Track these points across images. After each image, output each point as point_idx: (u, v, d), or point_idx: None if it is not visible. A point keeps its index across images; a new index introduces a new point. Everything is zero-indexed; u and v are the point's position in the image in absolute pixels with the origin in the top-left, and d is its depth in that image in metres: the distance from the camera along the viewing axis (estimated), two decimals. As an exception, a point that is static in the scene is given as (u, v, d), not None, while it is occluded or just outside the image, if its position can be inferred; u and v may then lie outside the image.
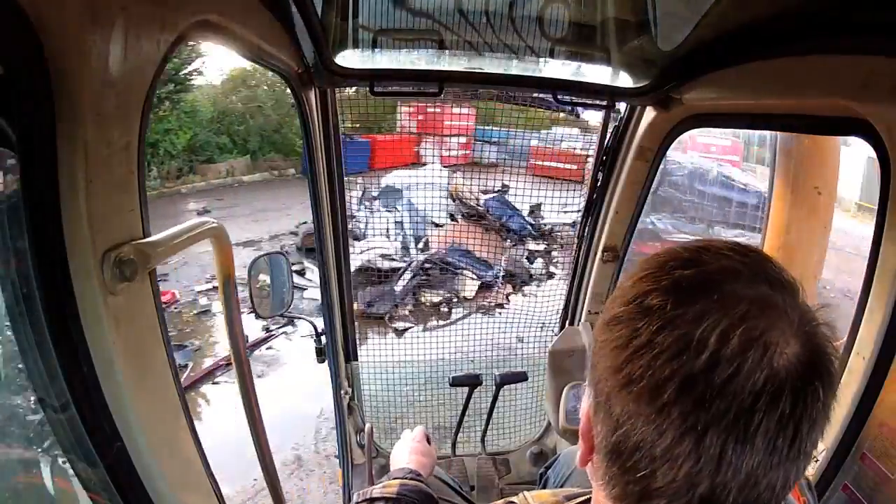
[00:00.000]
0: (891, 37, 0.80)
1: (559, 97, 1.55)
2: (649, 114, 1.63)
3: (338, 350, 1.99)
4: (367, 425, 1.58)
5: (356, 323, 2.11)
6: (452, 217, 8.25)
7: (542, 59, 1.45)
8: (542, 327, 3.29)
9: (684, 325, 0.40)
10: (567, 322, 2.18)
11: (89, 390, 0.58)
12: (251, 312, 1.55)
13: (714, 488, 0.40)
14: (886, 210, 0.97)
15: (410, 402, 2.96)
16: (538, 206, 7.30)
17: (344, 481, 2.08)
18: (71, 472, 0.64)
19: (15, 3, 0.43)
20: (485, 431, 2.23)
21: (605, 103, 1.57)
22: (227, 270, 0.86)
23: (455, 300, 6.50)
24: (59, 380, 0.56)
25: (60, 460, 0.66)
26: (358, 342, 2.12)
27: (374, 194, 7.83)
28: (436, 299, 6.46)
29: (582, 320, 2.10)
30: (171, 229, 0.70)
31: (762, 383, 0.39)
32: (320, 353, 1.94)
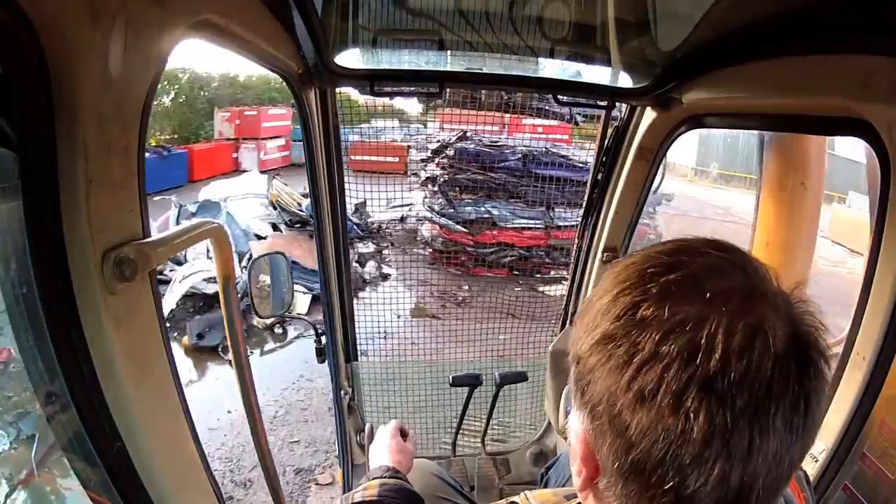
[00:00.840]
0: (891, 37, 0.80)
1: (559, 97, 1.55)
2: (649, 114, 1.63)
3: (338, 350, 1.99)
4: (367, 425, 1.58)
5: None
6: (275, 227, 7.93)
7: (541, 60, 1.45)
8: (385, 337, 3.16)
9: (687, 330, 0.40)
10: (567, 322, 2.18)
11: (89, 390, 0.58)
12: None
13: (744, 479, 0.41)
14: (886, 210, 0.97)
15: (410, 402, 2.96)
16: (363, 203, 7.15)
17: (344, 481, 2.08)
18: (71, 471, 0.64)
19: (15, 3, 0.43)
20: (485, 431, 2.23)
21: (605, 104, 1.57)
22: (227, 271, 0.86)
23: (287, 318, 5.93)
24: (59, 380, 0.56)
25: (60, 460, 0.66)
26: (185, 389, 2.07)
27: (192, 210, 7.25)
28: (268, 321, 5.77)
29: None
30: (172, 230, 0.70)
31: (770, 369, 0.40)
32: (320, 354, 1.94)
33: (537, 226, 7.23)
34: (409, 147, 6.96)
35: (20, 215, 0.50)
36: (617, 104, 1.58)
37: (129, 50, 0.55)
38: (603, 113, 1.72)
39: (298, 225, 8.59)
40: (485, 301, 6.05)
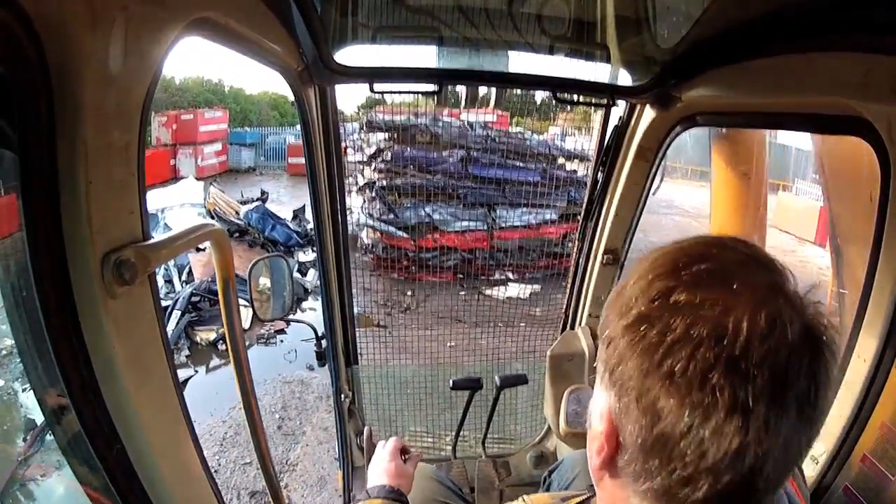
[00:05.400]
0: (891, 36, 0.80)
1: (558, 95, 1.54)
2: (649, 112, 1.62)
3: (338, 353, 1.98)
4: (367, 428, 1.57)
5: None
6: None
7: (541, 57, 1.45)
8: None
9: (716, 315, 0.44)
10: (567, 326, 2.17)
11: (89, 393, 0.57)
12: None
13: (758, 456, 0.44)
14: (886, 210, 0.97)
15: (411, 405, 2.96)
16: (301, 209, 7.08)
17: (344, 484, 2.08)
18: (71, 474, 0.63)
19: (15, 3, 0.43)
20: (485, 434, 2.22)
21: (604, 101, 1.57)
22: (227, 273, 0.85)
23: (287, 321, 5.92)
24: (59, 382, 0.56)
25: (60, 463, 0.65)
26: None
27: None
28: (211, 336, 5.79)
29: (582, 323, 2.09)
30: (172, 232, 0.69)
31: (787, 356, 0.43)
32: (320, 357, 1.93)
33: (479, 227, 7.30)
34: (345, 148, 6.93)
35: (20, 216, 0.49)
36: (616, 102, 1.58)
37: (129, 50, 0.54)
38: (602, 111, 1.72)
39: (236, 234, 8.48)
40: (431, 307, 6.09)
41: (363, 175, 7.56)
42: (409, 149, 7.20)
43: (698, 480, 0.45)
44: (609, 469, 0.52)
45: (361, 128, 7.36)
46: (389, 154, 7.27)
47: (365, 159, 7.51)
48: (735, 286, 0.45)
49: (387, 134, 7.32)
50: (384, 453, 1.15)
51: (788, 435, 0.44)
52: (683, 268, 0.47)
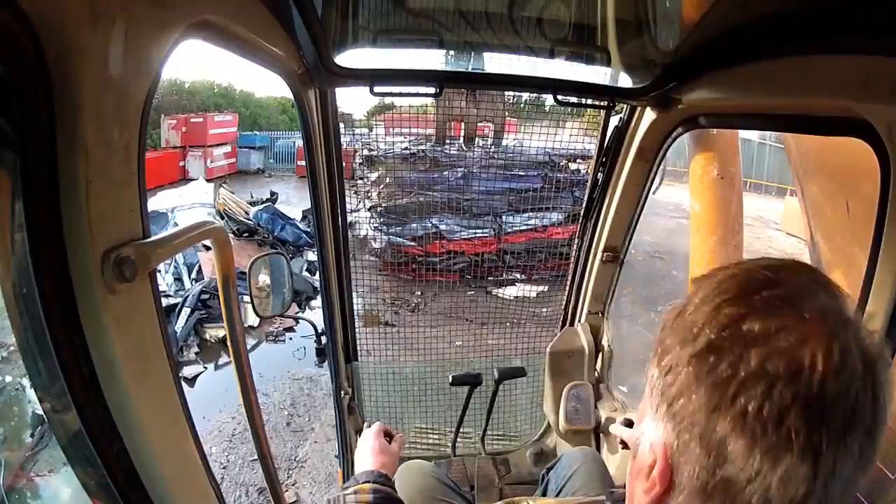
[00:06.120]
0: (891, 37, 0.80)
1: (559, 97, 1.55)
2: (649, 114, 1.63)
3: (338, 350, 1.99)
4: (366, 425, 1.58)
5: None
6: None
7: (541, 60, 1.45)
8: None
9: (791, 347, 0.41)
10: (567, 322, 2.18)
11: (89, 391, 0.57)
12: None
13: (820, 501, 0.41)
14: (886, 210, 0.97)
15: (410, 401, 2.96)
16: (311, 210, 7.19)
17: (343, 480, 2.08)
18: (71, 472, 0.64)
19: (15, 3, 0.43)
20: (484, 431, 2.23)
21: (605, 104, 1.57)
22: (227, 271, 0.86)
23: (289, 317, 6.10)
24: (59, 380, 0.56)
25: (61, 461, 0.65)
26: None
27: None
28: (221, 333, 5.79)
29: (582, 320, 2.10)
30: (172, 230, 0.70)
31: (857, 392, 0.40)
32: (320, 354, 1.94)
33: (486, 234, 7.36)
34: (354, 152, 7.05)
35: (20, 215, 0.50)
36: (617, 104, 1.58)
37: (129, 50, 0.55)
38: (602, 113, 1.72)
39: (246, 234, 8.51)
40: (438, 306, 6.13)
41: (369, 198, 7.63)
42: (410, 174, 7.26)
43: None
44: None
45: (362, 162, 7.45)
46: (390, 179, 7.35)
47: (369, 185, 7.59)
48: (807, 315, 0.42)
49: (386, 166, 7.40)
50: (367, 434, 1.18)
51: (850, 476, 0.42)
52: (754, 292, 0.44)
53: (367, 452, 1.13)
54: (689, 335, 0.45)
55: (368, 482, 1.00)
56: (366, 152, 7.07)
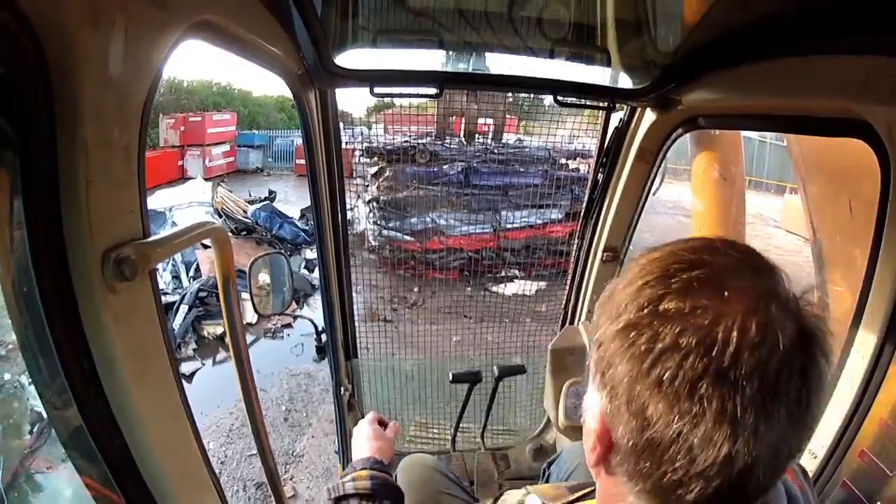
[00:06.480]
0: (891, 37, 0.80)
1: (559, 98, 1.55)
2: (649, 115, 1.63)
3: (338, 347, 2.00)
4: None
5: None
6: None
7: (541, 60, 1.45)
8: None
9: (706, 324, 0.44)
10: (567, 321, 2.18)
11: (90, 389, 0.58)
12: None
13: (747, 463, 0.44)
14: (886, 210, 0.97)
15: (411, 398, 2.97)
16: (308, 208, 7.15)
17: None
18: (72, 469, 0.64)
19: (15, 3, 0.43)
20: (484, 427, 2.24)
21: (605, 104, 1.57)
22: (227, 270, 0.86)
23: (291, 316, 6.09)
24: (60, 379, 0.56)
25: (62, 458, 0.66)
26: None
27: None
28: (219, 330, 5.84)
29: (582, 319, 2.11)
30: (172, 229, 0.70)
31: (778, 365, 0.43)
32: (320, 351, 1.95)
33: (485, 230, 7.37)
34: (353, 150, 7.09)
35: (20, 215, 0.50)
36: (616, 105, 1.58)
37: (129, 50, 0.55)
38: (602, 113, 1.72)
39: (244, 232, 8.51)
40: (437, 303, 6.13)
41: (368, 192, 7.64)
42: (409, 167, 7.29)
43: (689, 484, 0.46)
44: (603, 466, 0.54)
45: (361, 154, 7.47)
46: (390, 172, 7.37)
47: (367, 180, 7.60)
48: (726, 293, 0.45)
49: (386, 158, 7.41)
50: (362, 423, 1.20)
51: (778, 441, 0.45)
52: (674, 274, 0.47)
53: (363, 439, 1.14)
54: (614, 313, 0.49)
55: (365, 469, 1.02)
56: (366, 145, 7.11)
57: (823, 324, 0.47)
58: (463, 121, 7.10)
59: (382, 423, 1.22)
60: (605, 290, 0.53)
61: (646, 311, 0.46)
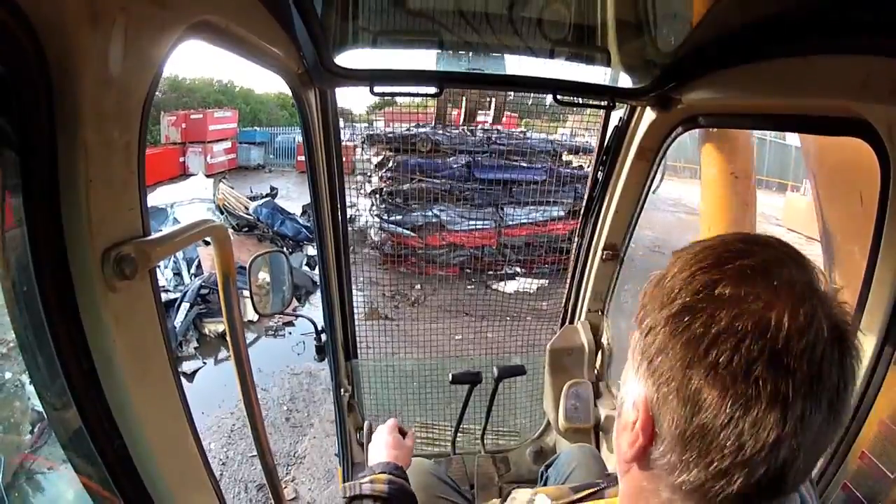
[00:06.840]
0: (891, 37, 0.80)
1: (559, 97, 1.55)
2: (649, 114, 1.63)
3: (338, 348, 2.00)
4: (367, 423, 1.58)
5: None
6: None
7: (541, 60, 1.45)
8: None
9: (760, 309, 0.45)
10: (566, 320, 2.18)
11: (90, 388, 0.58)
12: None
13: (793, 449, 0.45)
14: (886, 210, 0.97)
15: (410, 398, 2.97)
16: (310, 204, 7.18)
17: (343, 479, 2.09)
18: (71, 469, 0.64)
19: (15, 3, 0.43)
20: (484, 429, 2.23)
21: (605, 104, 1.57)
22: (228, 269, 0.86)
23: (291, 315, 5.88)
24: (59, 378, 0.56)
25: (62, 458, 0.66)
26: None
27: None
28: (220, 328, 5.73)
29: (582, 318, 2.11)
30: (172, 228, 0.70)
31: (821, 351, 0.44)
32: (320, 352, 1.94)
33: (487, 226, 7.38)
34: (355, 147, 7.07)
35: (20, 215, 0.50)
36: (617, 104, 1.58)
37: (129, 50, 0.55)
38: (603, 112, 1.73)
39: (246, 229, 8.50)
40: (438, 300, 6.11)
41: (370, 182, 7.64)
42: (411, 158, 7.29)
43: (734, 474, 0.46)
44: (640, 461, 0.53)
45: (363, 143, 7.47)
46: (393, 163, 7.36)
47: (370, 170, 7.60)
48: (775, 283, 0.46)
49: (388, 147, 7.41)
50: (382, 429, 1.21)
51: (820, 428, 0.45)
52: (727, 261, 0.48)
53: (382, 446, 1.15)
54: (666, 299, 0.49)
55: (385, 472, 1.03)
56: (367, 133, 7.13)
57: (853, 319, 0.49)
58: (464, 100, 7.07)
59: (402, 432, 1.23)
60: (650, 280, 0.53)
61: (701, 294, 0.47)
